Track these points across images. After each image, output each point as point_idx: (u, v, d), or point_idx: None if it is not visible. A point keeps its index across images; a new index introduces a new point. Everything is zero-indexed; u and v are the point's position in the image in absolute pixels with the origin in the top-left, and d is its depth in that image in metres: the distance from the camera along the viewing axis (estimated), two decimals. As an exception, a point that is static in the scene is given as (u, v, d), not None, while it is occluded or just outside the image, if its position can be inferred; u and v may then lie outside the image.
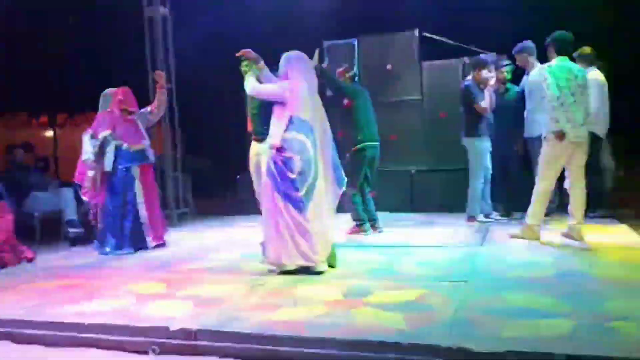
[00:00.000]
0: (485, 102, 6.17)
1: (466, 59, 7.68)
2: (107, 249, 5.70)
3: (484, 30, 7.74)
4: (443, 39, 7.83)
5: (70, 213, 6.72)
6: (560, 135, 4.86)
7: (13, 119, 10.15)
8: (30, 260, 5.49)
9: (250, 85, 4.47)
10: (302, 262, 4.21)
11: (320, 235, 4.25)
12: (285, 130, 4.25)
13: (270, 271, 4.31)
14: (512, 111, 6.47)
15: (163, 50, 8.58)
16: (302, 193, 4.19)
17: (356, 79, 6.29)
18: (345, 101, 6.06)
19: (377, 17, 8.23)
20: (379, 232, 6.01)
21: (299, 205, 4.19)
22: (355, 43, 8.14)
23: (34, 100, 9.86)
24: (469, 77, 6.43)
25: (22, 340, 3.32)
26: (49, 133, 10.86)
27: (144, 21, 8.46)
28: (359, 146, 5.86)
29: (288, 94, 4.32)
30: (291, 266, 4.23)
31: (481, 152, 6.26)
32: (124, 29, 8.66)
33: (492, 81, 6.29)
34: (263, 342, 2.90)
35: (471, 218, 6.30)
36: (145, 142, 5.92)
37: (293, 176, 4.20)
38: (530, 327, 2.77)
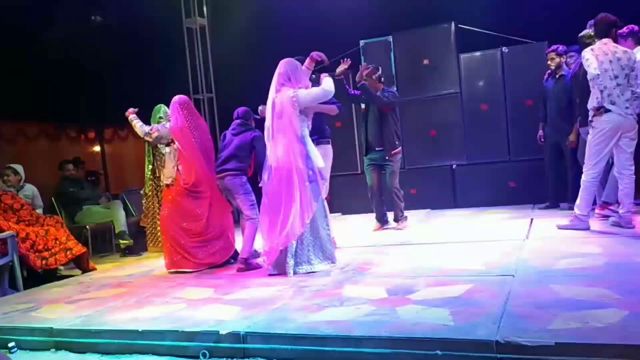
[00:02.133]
0: None
1: (504, 49, 7.56)
2: None
3: (521, 17, 7.58)
4: (479, 30, 7.72)
5: (121, 225, 6.94)
6: (600, 111, 4.77)
7: (62, 136, 10.52)
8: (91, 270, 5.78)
9: None
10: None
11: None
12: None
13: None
14: (565, 98, 6.25)
15: (203, 60, 8.79)
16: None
17: (382, 79, 6.26)
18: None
19: (411, 12, 8.16)
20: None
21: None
22: (391, 40, 8.12)
23: (81, 116, 10.20)
24: None
25: (79, 349, 3.43)
26: (97, 148, 11.21)
27: (184, 32, 8.69)
28: (399, 149, 6.18)
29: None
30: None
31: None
32: (164, 41, 8.87)
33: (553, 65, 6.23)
34: (311, 342, 2.92)
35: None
36: None
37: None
38: (580, 319, 2.70)
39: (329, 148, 5.56)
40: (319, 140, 5.34)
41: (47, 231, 5.52)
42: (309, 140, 4.60)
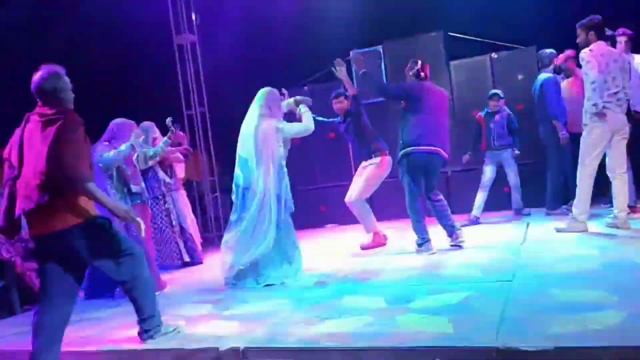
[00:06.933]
0: None
1: (494, 54, 7.64)
2: None
3: (509, 23, 7.66)
4: (468, 37, 7.79)
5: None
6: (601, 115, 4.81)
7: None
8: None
9: None
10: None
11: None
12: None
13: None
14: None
15: (194, 76, 8.81)
16: (232, 218, 4.83)
17: (422, 74, 5.41)
18: (403, 102, 5.38)
19: (400, 21, 8.24)
20: (458, 244, 5.18)
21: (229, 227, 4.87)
22: (381, 49, 8.16)
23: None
24: None
25: (79, 370, 3.41)
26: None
27: (174, 49, 8.72)
28: (400, 152, 5.21)
29: None
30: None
31: None
32: (155, 58, 8.89)
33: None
34: (311, 355, 2.92)
35: None
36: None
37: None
38: (579, 322, 2.71)
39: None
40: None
41: None
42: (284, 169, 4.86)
